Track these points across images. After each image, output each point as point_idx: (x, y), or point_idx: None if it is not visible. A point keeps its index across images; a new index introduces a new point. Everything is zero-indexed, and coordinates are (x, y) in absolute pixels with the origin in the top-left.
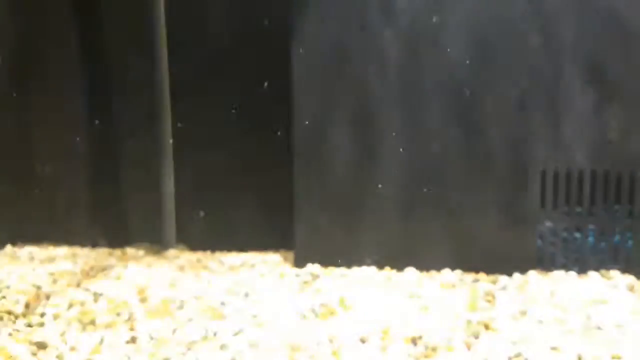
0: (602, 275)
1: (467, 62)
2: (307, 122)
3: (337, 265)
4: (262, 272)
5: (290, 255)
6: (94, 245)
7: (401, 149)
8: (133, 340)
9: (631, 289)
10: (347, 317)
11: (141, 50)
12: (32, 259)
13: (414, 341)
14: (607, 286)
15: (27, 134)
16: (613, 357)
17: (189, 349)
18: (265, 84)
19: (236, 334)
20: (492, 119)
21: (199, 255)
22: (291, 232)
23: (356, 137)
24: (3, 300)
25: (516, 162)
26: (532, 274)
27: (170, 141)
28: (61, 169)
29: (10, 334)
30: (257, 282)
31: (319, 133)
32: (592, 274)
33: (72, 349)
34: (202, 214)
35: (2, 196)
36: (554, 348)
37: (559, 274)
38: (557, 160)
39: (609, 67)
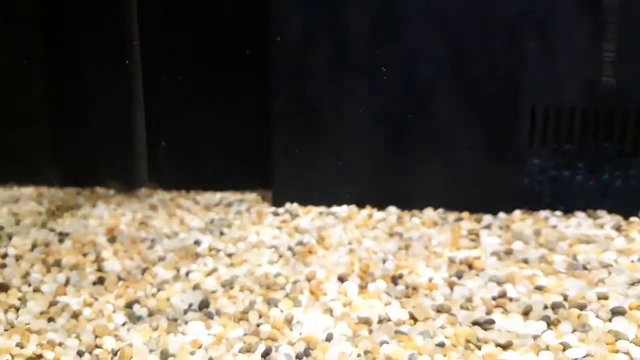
0: (589, 215)
1: None
2: (285, 41)
3: (317, 204)
4: (239, 211)
5: (269, 194)
6: (62, 185)
7: (384, 77)
8: (100, 280)
9: (618, 229)
10: (325, 256)
11: None
12: None
13: (394, 280)
14: (594, 226)
15: None
16: (599, 297)
17: (159, 289)
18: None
19: (209, 273)
20: (480, 49)
21: (173, 194)
22: (269, 170)
23: (338, 60)
24: None
25: (505, 95)
26: (518, 213)
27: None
28: (25, 104)
29: None
30: (233, 220)
31: (299, 55)
32: (578, 213)
33: (36, 290)
34: (163, 143)
35: None
36: (539, 288)
37: (545, 214)
38: (547, 95)
39: None
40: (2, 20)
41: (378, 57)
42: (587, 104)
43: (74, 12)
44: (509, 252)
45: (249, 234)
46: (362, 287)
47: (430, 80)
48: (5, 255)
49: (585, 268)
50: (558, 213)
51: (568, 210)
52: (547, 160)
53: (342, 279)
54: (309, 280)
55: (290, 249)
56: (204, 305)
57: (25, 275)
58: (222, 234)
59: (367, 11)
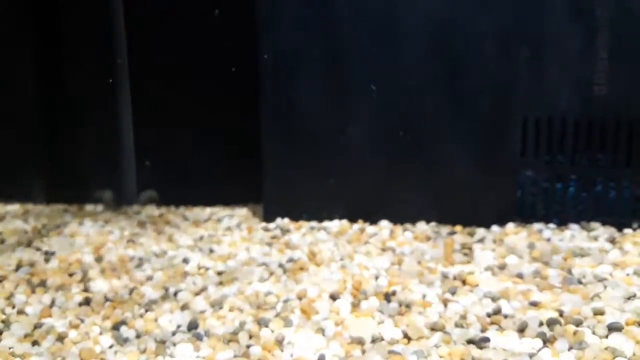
0: (583, 228)
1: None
2: (272, 59)
3: (308, 219)
4: (229, 227)
5: (259, 209)
6: (48, 202)
7: (374, 94)
8: (87, 301)
9: (612, 241)
10: (317, 273)
11: None
12: None
13: (387, 297)
14: (588, 238)
15: None
16: (595, 313)
17: (147, 310)
18: (216, 11)
19: (198, 293)
20: (471, 61)
21: (162, 210)
22: (260, 185)
23: (327, 76)
24: None
25: (497, 107)
26: (511, 226)
27: (128, 84)
28: (11, 120)
29: None
30: (223, 237)
31: (287, 72)
32: (572, 225)
33: (20, 312)
34: (147, 163)
35: None
36: (534, 304)
37: (538, 226)
38: (539, 107)
39: (596, 6)
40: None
41: (368, 72)
42: (580, 115)
43: (61, 31)
44: (502, 267)
45: (239, 250)
46: (355, 305)
47: (421, 93)
48: None
49: (580, 282)
50: (552, 225)
51: (562, 223)
52: (540, 172)
53: (334, 297)
54: (300, 298)
55: (281, 266)
56: (192, 326)
57: (10, 296)
58: (211, 251)
59: (358, 24)
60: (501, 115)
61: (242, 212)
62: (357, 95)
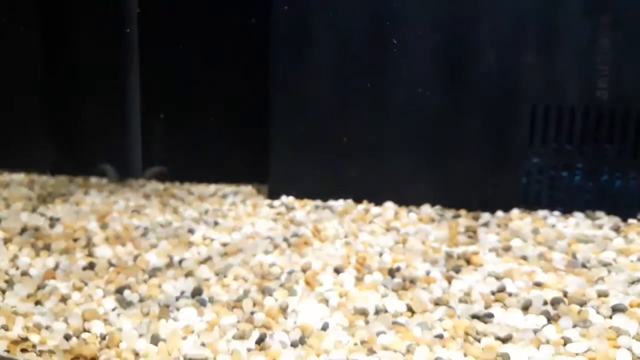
0: (588, 216)
1: None
2: (283, 36)
3: (313, 197)
4: (234, 202)
5: (264, 188)
6: (54, 173)
7: (382, 72)
8: (90, 266)
9: (616, 230)
10: (321, 248)
11: None
12: None
13: (391, 273)
14: (593, 226)
15: None
16: (599, 295)
17: (151, 276)
18: None
19: (203, 262)
20: (481, 47)
21: (167, 185)
22: (265, 163)
23: (338, 58)
24: None
25: (505, 94)
26: (516, 212)
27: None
28: (20, 92)
29: None
30: (228, 212)
31: (297, 51)
32: (577, 214)
33: (24, 273)
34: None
35: None
36: (538, 284)
37: (543, 213)
38: (548, 95)
39: None
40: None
41: (375, 53)
42: (588, 105)
43: (72, 3)
44: (507, 249)
45: (244, 224)
46: (359, 279)
47: (429, 79)
48: None
49: (584, 266)
50: (556, 213)
51: (566, 211)
52: (547, 160)
53: (338, 271)
54: (304, 270)
55: (285, 240)
56: (196, 292)
57: (14, 258)
58: (216, 224)
59: (367, 11)
60: (510, 103)
61: (247, 189)
62: (366, 75)
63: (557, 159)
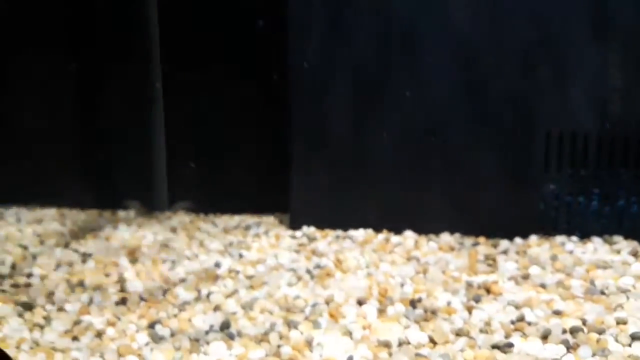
0: (605, 241)
1: (471, 13)
2: (304, 68)
3: (334, 227)
4: (257, 234)
5: (286, 217)
6: (83, 207)
7: (401, 104)
8: (123, 301)
9: (635, 254)
10: (344, 279)
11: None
12: (18, 219)
13: (412, 304)
14: (611, 251)
15: (13, 91)
16: (618, 322)
17: (181, 310)
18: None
19: (230, 295)
20: (495, 75)
21: (192, 217)
22: (286, 195)
23: (357, 88)
24: None
25: (520, 121)
26: (534, 238)
27: (160, 94)
28: (49, 129)
29: None
30: (251, 243)
31: (318, 82)
32: (595, 239)
33: (60, 309)
34: (192, 165)
35: None
36: (557, 312)
37: (561, 239)
38: (562, 121)
39: (618, 21)
40: (35, 45)
41: (395, 84)
42: (602, 130)
43: (100, 38)
44: (526, 277)
45: (268, 256)
46: (381, 311)
47: (446, 107)
48: (30, 275)
49: (603, 293)
50: (574, 238)
51: (584, 236)
52: (563, 185)
53: (360, 302)
54: (327, 303)
55: (308, 271)
56: (225, 326)
57: (50, 294)
58: (241, 256)
59: (383, 39)
60: (525, 130)
61: (270, 220)
62: (384, 110)
63: (573, 184)
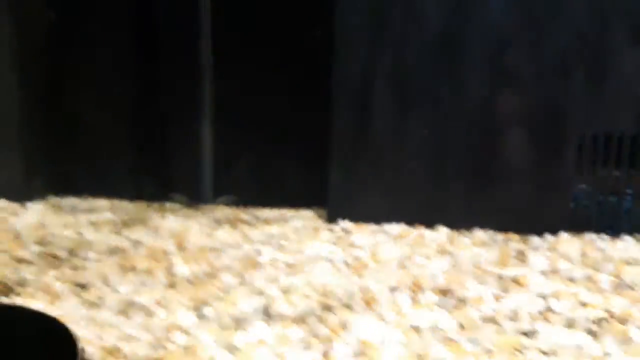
0: (636, 239)
1: (510, 19)
2: (348, 76)
3: (369, 222)
4: (296, 226)
5: (323, 212)
6: (132, 198)
7: (440, 103)
8: (172, 284)
9: None
10: (378, 270)
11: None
12: (74, 209)
13: (444, 293)
14: None
15: (71, 86)
16: None
17: (226, 293)
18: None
19: (271, 281)
20: (532, 77)
21: (234, 210)
22: (324, 190)
23: (397, 89)
24: (49, 245)
25: (554, 123)
26: (565, 235)
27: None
28: (102, 123)
29: (55, 275)
30: (291, 235)
31: (361, 88)
32: (625, 237)
33: (114, 290)
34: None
35: (46, 149)
36: (584, 304)
37: (591, 237)
38: (596, 123)
39: None
40: (98, 43)
41: (435, 85)
42: (637, 131)
43: (155, 34)
44: (555, 271)
45: (306, 247)
46: (414, 299)
47: (481, 107)
48: (86, 259)
49: (631, 288)
50: (605, 237)
51: (615, 234)
52: (595, 185)
53: (394, 291)
54: (362, 291)
55: (345, 262)
56: (266, 308)
57: (105, 276)
58: (281, 246)
59: (427, 43)
60: (558, 131)
61: (308, 214)
62: (423, 110)
63: (605, 184)
